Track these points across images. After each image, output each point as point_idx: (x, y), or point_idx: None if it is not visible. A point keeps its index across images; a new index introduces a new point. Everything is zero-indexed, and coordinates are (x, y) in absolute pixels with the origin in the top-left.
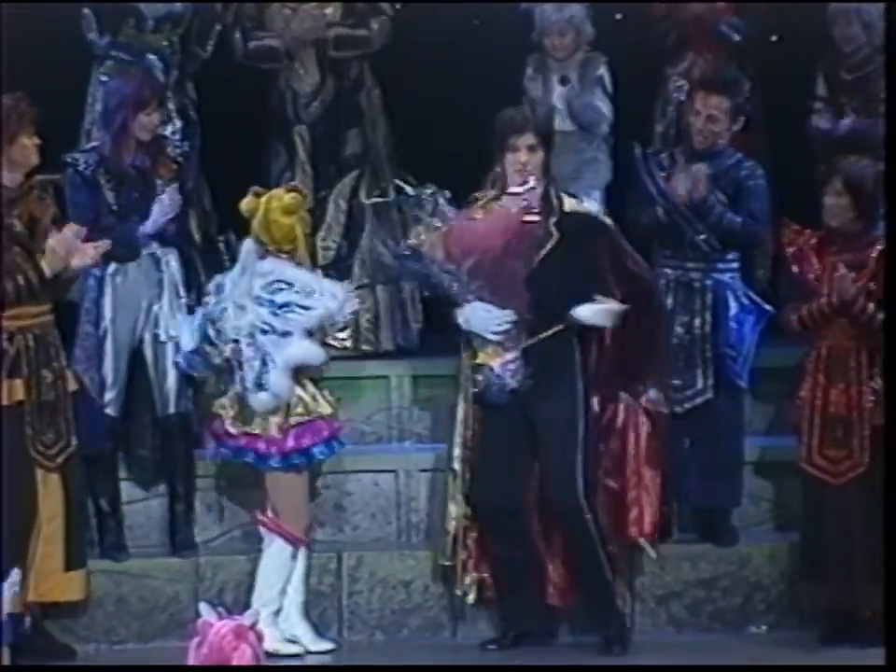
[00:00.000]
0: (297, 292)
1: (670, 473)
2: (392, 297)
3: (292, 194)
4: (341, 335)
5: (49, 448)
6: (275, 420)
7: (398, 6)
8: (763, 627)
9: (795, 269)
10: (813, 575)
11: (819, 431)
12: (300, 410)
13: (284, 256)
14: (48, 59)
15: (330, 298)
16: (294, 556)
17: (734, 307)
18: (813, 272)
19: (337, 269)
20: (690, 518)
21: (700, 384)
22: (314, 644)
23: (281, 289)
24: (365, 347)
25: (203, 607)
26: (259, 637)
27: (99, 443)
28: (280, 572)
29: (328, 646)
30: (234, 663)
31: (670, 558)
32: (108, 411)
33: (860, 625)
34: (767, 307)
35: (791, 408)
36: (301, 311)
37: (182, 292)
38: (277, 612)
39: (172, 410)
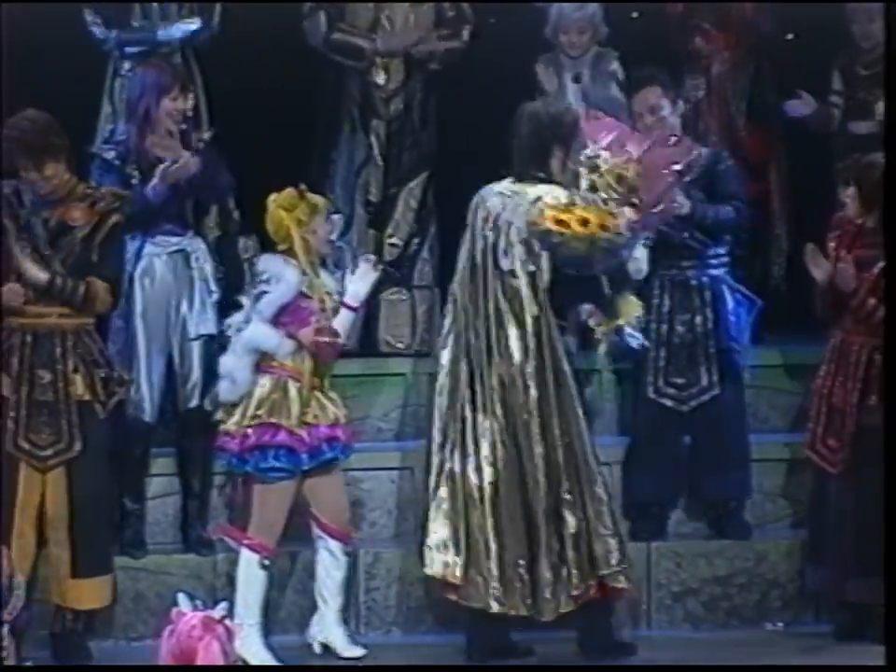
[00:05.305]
0: (264, 280)
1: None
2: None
3: (293, 191)
4: (399, 334)
5: (41, 448)
6: (234, 419)
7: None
8: (780, 624)
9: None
10: (815, 560)
11: (824, 420)
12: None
13: (281, 252)
14: (59, 62)
15: (283, 282)
16: (262, 566)
17: (730, 301)
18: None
19: (401, 267)
20: (701, 514)
21: (705, 380)
22: (346, 651)
23: (259, 282)
24: (418, 348)
25: (181, 597)
26: (229, 632)
27: (122, 441)
28: (249, 584)
29: (359, 653)
30: (200, 654)
31: (686, 555)
32: (143, 415)
33: (873, 621)
34: (756, 300)
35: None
36: (262, 297)
37: (214, 287)
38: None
39: (193, 404)
